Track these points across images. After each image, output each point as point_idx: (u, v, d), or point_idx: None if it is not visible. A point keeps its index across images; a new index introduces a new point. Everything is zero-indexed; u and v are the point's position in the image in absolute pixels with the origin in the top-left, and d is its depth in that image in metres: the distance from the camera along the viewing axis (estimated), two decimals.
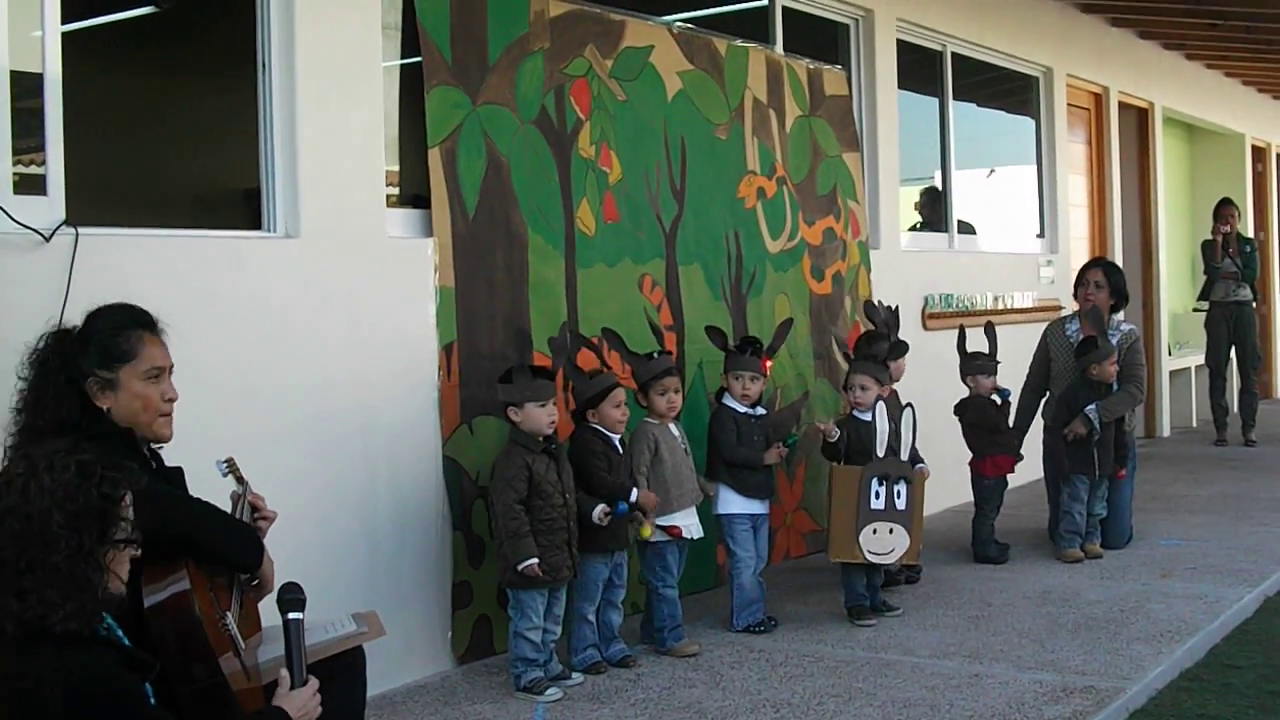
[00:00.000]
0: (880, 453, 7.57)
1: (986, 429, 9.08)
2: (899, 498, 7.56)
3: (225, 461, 4.71)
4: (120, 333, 4.43)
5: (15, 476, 3.52)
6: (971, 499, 9.32)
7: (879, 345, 8.20)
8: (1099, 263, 10.19)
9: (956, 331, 9.27)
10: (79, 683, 3.35)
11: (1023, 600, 8.06)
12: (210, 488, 4.62)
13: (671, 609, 7.08)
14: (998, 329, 9.18)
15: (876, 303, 8.72)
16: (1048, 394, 9.72)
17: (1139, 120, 16.05)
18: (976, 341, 9.10)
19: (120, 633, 3.64)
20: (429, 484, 6.74)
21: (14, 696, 3.34)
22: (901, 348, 8.30)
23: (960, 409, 9.09)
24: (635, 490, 6.76)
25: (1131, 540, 9.52)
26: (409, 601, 6.60)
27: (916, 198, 11.98)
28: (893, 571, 8.18)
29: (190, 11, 7.74)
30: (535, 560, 6.25)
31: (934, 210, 11.91)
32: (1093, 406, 9.05)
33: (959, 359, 9.16)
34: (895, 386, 8.27)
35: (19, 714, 3.32)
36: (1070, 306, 10.19)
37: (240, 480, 4.73)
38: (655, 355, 7.22)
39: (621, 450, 6.85)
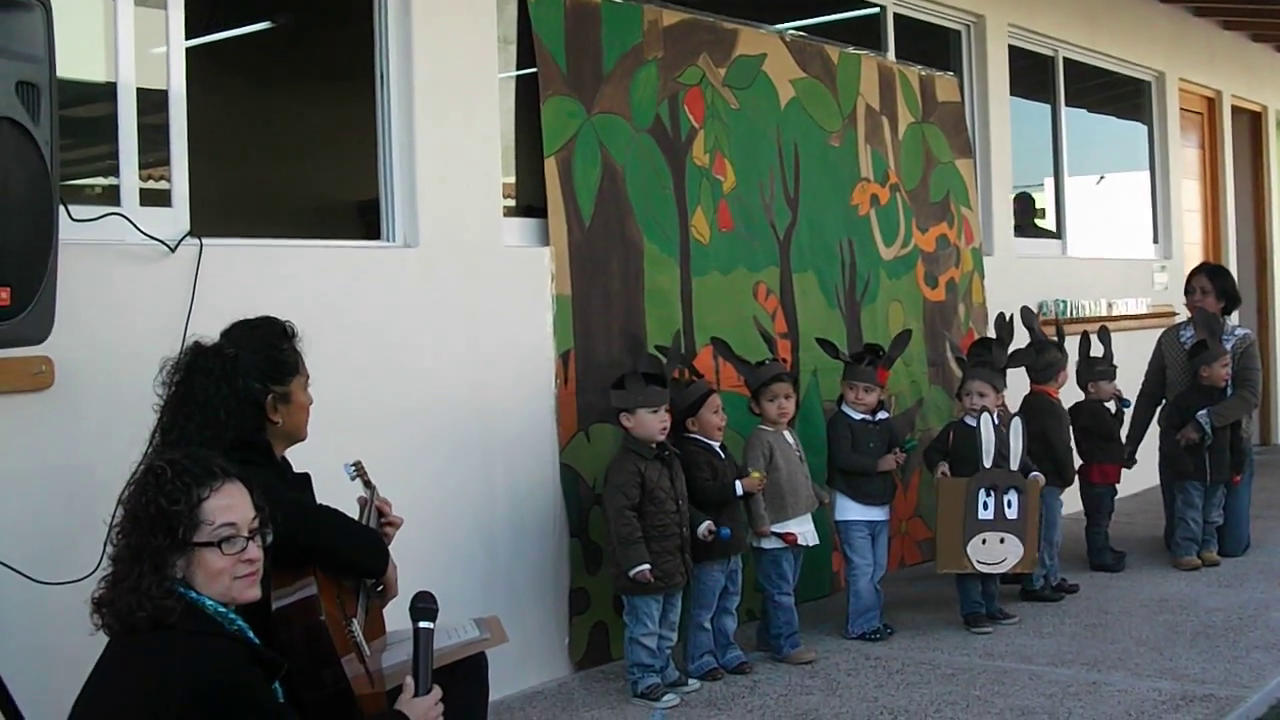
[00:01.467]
0: (988, 463, 7.55)
1: (1100, 436, 9.01)
2: (1009, 507, 7.53)
3: (354, 465, 4.78)
4: (283, 346, 4.53)
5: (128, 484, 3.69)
6: (1081, 507, 9.24)
7: (997, 352, 8.16)
8: (1204, 268, 10.10)
9: (1079, 337, 9.20)
10: (202, 670, 3.41)
11: (1140, 608, 8.00)
12: (335, 492, 4.68)
13: (788, 616, 7.08)
14: (1112, 334, 9.12)
15: (1009, 317, 8.66)
16: (1164, 401, 9.63)
17: (1252, 124, 15.84)
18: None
19: (251, 633, 3.70)
20: (546, 491, 6.78)
21: (140, 682, 3.42)
22: (1026, 355, 8.29)
23: (1074, 413, 9.02)
24: (739, 483, 6.75)
25: (1249, 548, 9.43)
26: (526, 608, 6.64)
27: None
28: (1035, 587, 8.21)
29: (308, 26, 7.84)
30: (647, 566, 6.26)
31: (1023, 215, 11.78)
32: (1204, 412, 8.98)
33: (1079, 363, 9.10)
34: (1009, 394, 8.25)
35: (144, 700, 3.39)
36: (1184, 313, 10.09)
37: (368, 484, 4.80)
38: (766, 363, 7.23)
39: (724, 456, 6.83)
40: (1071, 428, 8.92)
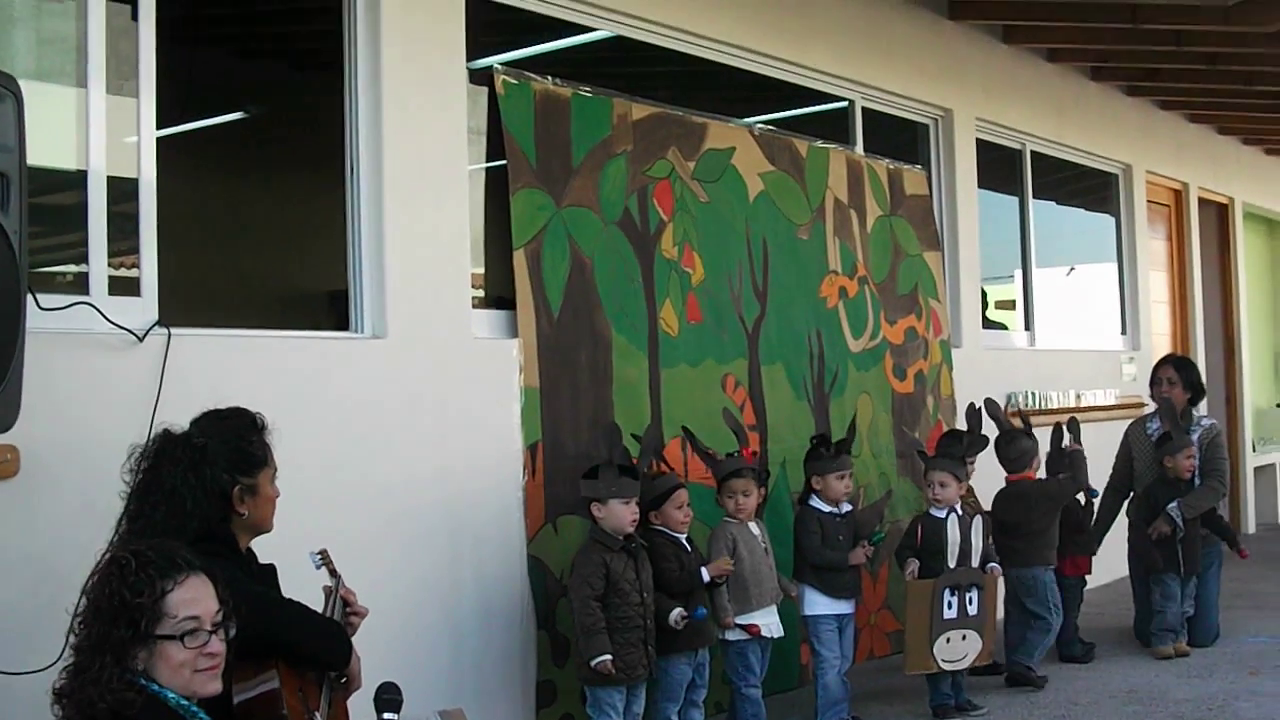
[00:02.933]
0: (952, 561, 7.60)
1: (1071, 527, 9.02)
2: (970, 604, 7.63)
3: (319, 553, 4.78)
4: (252, 438, 4.55)
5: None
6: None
7: (967, 441, 8.20)
8: (1171, 359, 10.22)
9: (1051, 428, 9.24)
10: None
11: (1109, 699, 8.01)
12: (301, 581, 4.67)
13: (755, 709, 7.05)
14: (1081, 425, 9.17)
15: (977, 407, 8.70)
16: (1131, 494, 9.66)
17: (1219, 215, 15.99)
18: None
19: None
20: (513, 582, 6.75)
21: None
22: (981, 443, 8.29)
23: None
24: (704, 569, 6.72)
25: (1218, 638, 9.43)
26: (493, 699, 6.60)
27: None
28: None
29: (279, 117, 7.89)
30: (608, 656, 6.23)
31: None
32: (1174, 504, 9.02)
33: (1049, 454, 9.13)
34: (972, 484, 8.27)
35: None
36: (1151, 405, 10.15)
37: (333, 573, 4.80)
38: (731, 455, 7.24)
39: (690, 549, 6.82)
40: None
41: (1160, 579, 9.13)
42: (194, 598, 3.71)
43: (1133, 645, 9.35)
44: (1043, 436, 9.06)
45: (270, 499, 4.60)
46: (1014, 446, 8.56)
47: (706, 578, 6.70)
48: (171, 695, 3.63)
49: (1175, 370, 9.80)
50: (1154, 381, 9.84)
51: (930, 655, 7.55)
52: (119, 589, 3.62)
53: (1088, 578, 9.25)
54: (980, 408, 8.48)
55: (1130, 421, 10.06)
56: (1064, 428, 9.17)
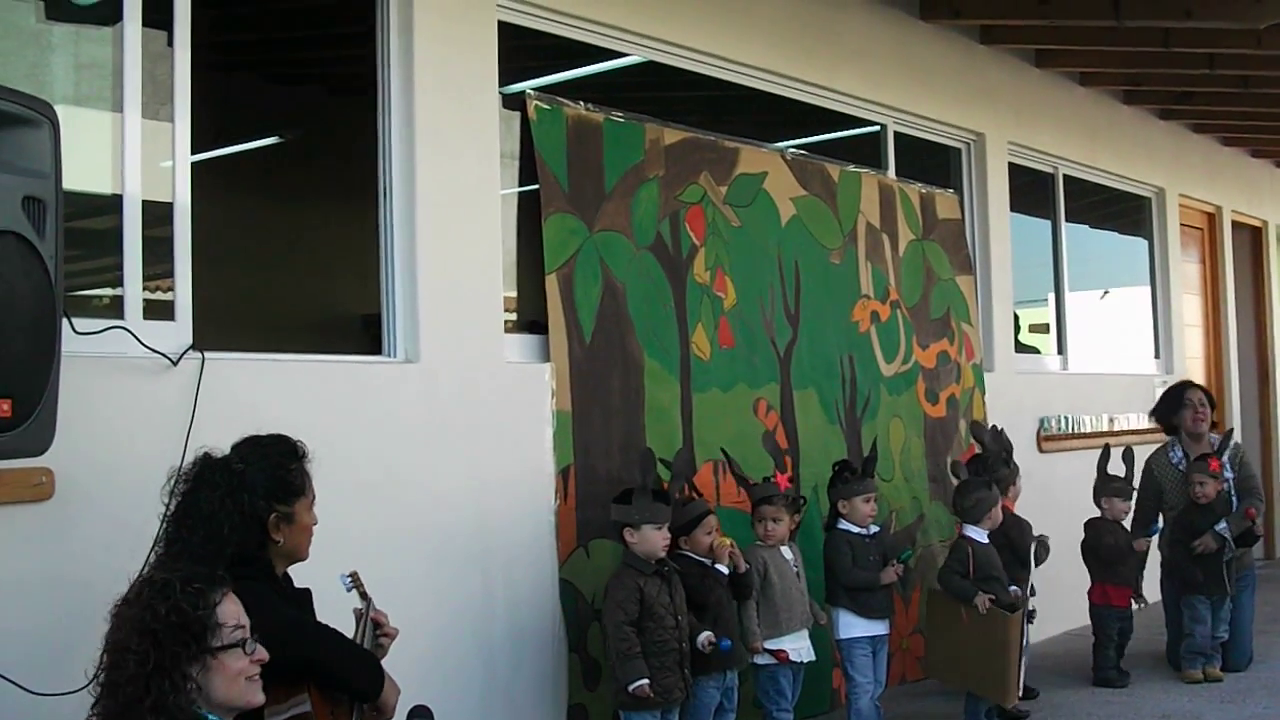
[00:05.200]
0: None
1: (1109, 557, 8.98)
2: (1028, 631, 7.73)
3: (350, 575, 4.79)
4: (291, 466, 4.56)
5: (116, 614, 3.66)
6: (1088, 623, 9.21)
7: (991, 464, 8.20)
8: (1193, 384, 10.12)
9: (1100, 450, 9.22)
10: None
11: None
12: (334, 607, 4.68)
13: None
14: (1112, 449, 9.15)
15: (988, 425, 8.69)
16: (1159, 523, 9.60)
17: (1252, 239, 15.90)
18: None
19: None
20: (545, 606, 6.76)
21: None
22: (999, 458, 8.27)
23: (1088, 530, 9.07)
24: (700, 639, 6.52)
25: (1252, 663, 9.37)
26: None
27: None
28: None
29: (313, 142, 7.92)
30: (646, 681, 6.21)
31: None
32: (1223, 524, 8.97)
33: (1096, 478, 9.09)
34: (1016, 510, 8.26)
35: None
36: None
37: (364, 595, 4.80)
38: (765, 480, 7.24)
39: (719, 571, 6.78)
40: (1081, 545, 8.95)
41: (1190, 601, 9.07)
42: (237, 609, 3.74)
43: (1166, 670, 9.30)
44: (1085, 459, 9.02)
45: (306, 528, 4.62)
46: (995, 473, 8.40)
47: (701, 646, 6.52)
48: (213, 718, 3.66)
49: (1204, 392, 9.80)
50: (1183, 405, 9.74)
51: (1019, 685, 7.60)
52: (173, 608, 3.62)
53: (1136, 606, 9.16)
54: (990, 425, 8.54)
55: (1150, 455, 9.96)
56: (1113, 451, 9.17)
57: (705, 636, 6.48)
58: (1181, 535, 9.16)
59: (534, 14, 7.07)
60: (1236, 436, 10.00)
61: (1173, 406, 9.81)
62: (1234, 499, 9.32)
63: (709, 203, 7.85)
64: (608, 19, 7.38)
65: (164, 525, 4.46)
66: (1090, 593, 9.04)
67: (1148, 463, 9.81)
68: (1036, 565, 8.18)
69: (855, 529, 7.48)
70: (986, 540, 7.73)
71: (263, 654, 3.77)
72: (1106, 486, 9.07)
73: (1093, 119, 12.13)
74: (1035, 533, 8.23)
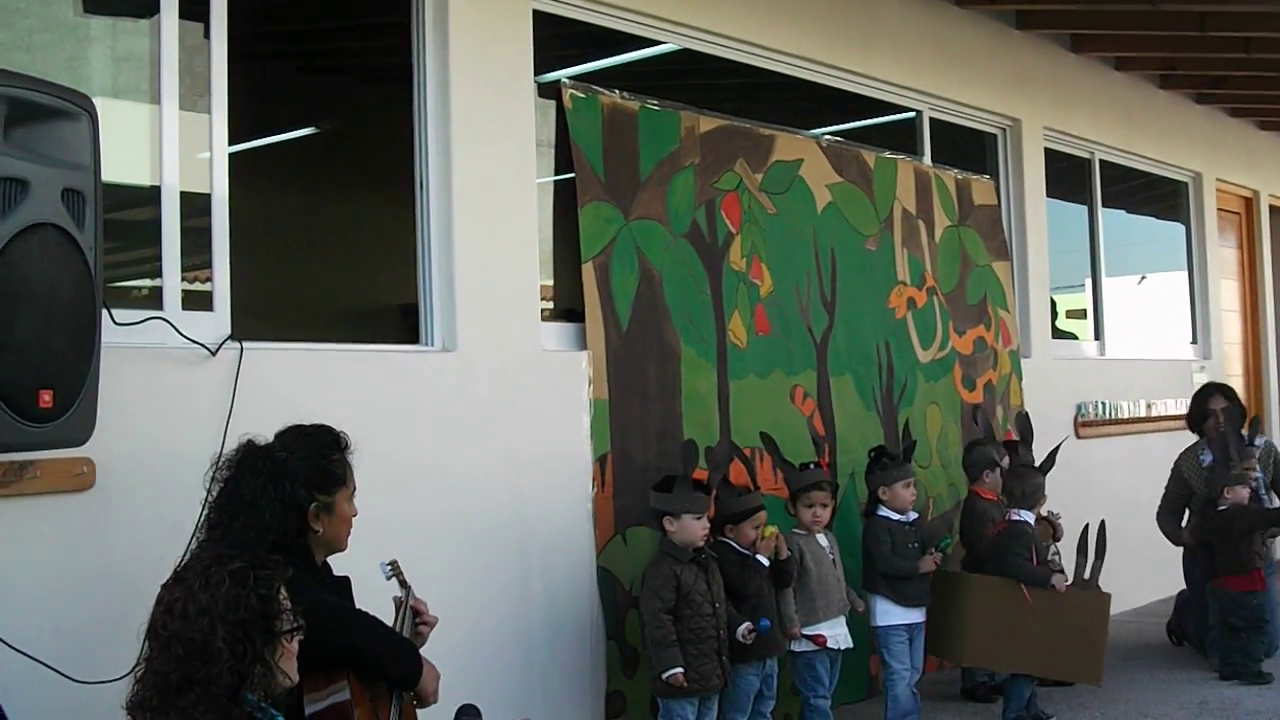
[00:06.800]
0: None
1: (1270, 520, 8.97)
2: None
3: (389, 564, 4.79)
4: (333, 456, 4.59)
5: (174, 602, 3.62)
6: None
7: (1024, 452, 8.17)
8: (1218, 387, 10.05)
9: (1218, 439, 9.25)
10: None
11: (1180, 710, 7.96)
12: (373, 593, 4.70)
13: None
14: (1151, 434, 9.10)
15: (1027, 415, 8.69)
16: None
17: None
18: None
19: None
20: (583, 594, 6.78)
21: None
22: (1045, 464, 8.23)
23: (1225, 520, 8.95)
24: (740, 630, 6.53)
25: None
26: (563, 711, 6.63)
27: None
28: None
29: (350, 132, 7.94)
30: (680, 669, 6.21)
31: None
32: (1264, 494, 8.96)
33: (1217, 467, 9.08)
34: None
35: None
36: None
37: (403, 584, 4.80)
38: (810, 466, 7.23)
39: (758, 561, 6.79)
40: (1219, 536, 8.95)
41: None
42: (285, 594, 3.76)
43: (1199, 657, 9.22)
44: (1113, 446, 8.98)
45: (345, 518, 4.64)
46: (1026, 483, 8.28)
47: (741, 638, 6.53)
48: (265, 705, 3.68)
49: (1225, 397, 9.73)
50: (1207, 414, 9.71)
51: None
52: (258, 596, 3.63)
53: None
54: (1026, 415, 8.57)
55: (1180, 453, 9.90)
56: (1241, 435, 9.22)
57: (744, 628, 6.48)
58: (1211, 523, 9.08)
59: (568, 2, 7.07)
60: (1270, 435, 9.89)
61: (1199, 414, 9.79)
62: (1264, 498, 9.28)
63: (745, 190, 7.85)
64: (642, 6, 7.38)
65: (205, 511, 4.48)
66: (1244, 581, 8.88)
67: (1177, 462, 9.77)
68: (1099, 551, 8.12)
69: (895, 516, 7.47)
70: (1029, 527, 7.73)
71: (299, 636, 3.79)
72: (1225, 475, 9.01)
73: (1129, 103, 12.08)
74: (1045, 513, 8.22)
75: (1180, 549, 9.60)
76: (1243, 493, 8.92)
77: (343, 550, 4.68)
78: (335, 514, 4.58)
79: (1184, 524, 9.44)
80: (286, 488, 4.42)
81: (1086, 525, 8.18)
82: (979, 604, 7.64)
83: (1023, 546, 7.64)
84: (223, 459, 4.52)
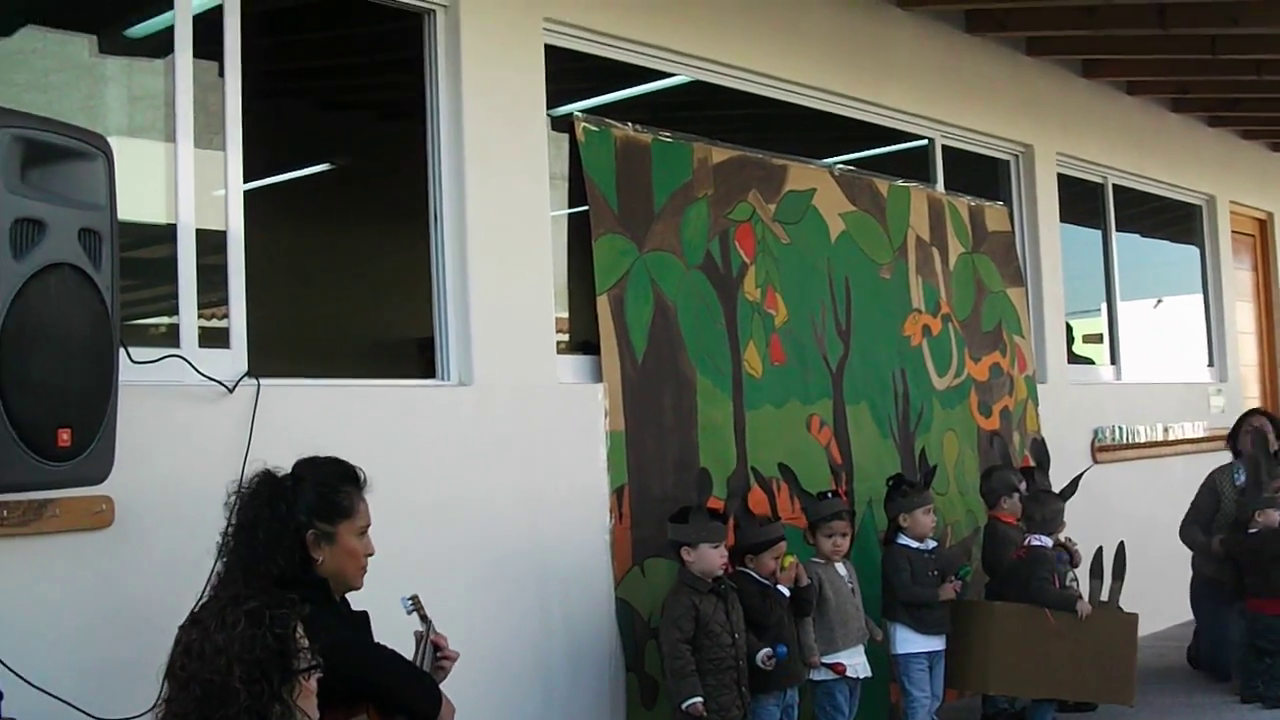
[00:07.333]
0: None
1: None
2: None
3: (410, 599, 4.79)
4: (341, 489, 4.58)
5: (191, 643, 3.62)
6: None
7: (1040, 478, 8.19)
8: (1260, 411, 10.07)
9: (1249, 461, 9.26)
10: None
11: None
12: (393, 628, 4.71)
13: None
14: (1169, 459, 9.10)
15: (1043, 441, 8.70)
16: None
17: None
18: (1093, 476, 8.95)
19: None
20: (602, 625, 6.77)
21: None
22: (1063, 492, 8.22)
23: (1257, 543, 8.94)
24: (758, 657, 6.54)
25: None
26: None
27: None
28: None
29: (364, 168, 7.96)
30: (699, 700, 6.20)
31: None
32: None
33: (1246, 489, 9.07)
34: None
35: None
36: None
37: (424, 619, 4.80)
38: (829, 495, 7.23)
39: (777, 591, 6.78)
40: (1251, 559, 8.92)
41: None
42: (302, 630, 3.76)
43: (1224, 682, 9.20)
44: (1131, 471, 8.96)
45: (352, 552, 4.59)
46: (1046, 508, 8.25)
47: (761, 664, 6.55)
48: None
49: (1268, 419, 9.75)
50: (1243, 430, 9.75)
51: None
52: (274, 635, 3.63)
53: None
54: (1043, 441, 8.56)
55: (1215, 468, 9.90)
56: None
57: (764, 653, 6.47)
58: (1240, 545, 9.06)
59: (580, 37, 7.10)
60: None
61: (1237, 431, 9.81)
62: None
63: (758, 220, 7.87)
64: (653, 39, 7.41)
65: (224, 540, 4.51)
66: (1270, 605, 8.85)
67: (1212, 475, 9.79)
68: (1118, 573, 8.13)
69: (914, 544, 7.48)
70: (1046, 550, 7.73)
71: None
72: (1258, 499, 9.01)
73: (1141, 128, 12.09)
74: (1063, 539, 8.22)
75: (1190, 577, 9.60)
76: (1275, 516, 8.90)
77: (357, 588, 4.67)
78: (338, 545, 4.54)
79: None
80: (283, 509, 4.42)
81: (1100, 549, 8.19)
82: (1001, 631, 7.63)
83: (1046, 571, 7.65)
84: (238, 486, 4.55)
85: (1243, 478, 9.50)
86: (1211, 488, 9.69)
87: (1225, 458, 10.01)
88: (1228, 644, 9.19)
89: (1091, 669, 7.61)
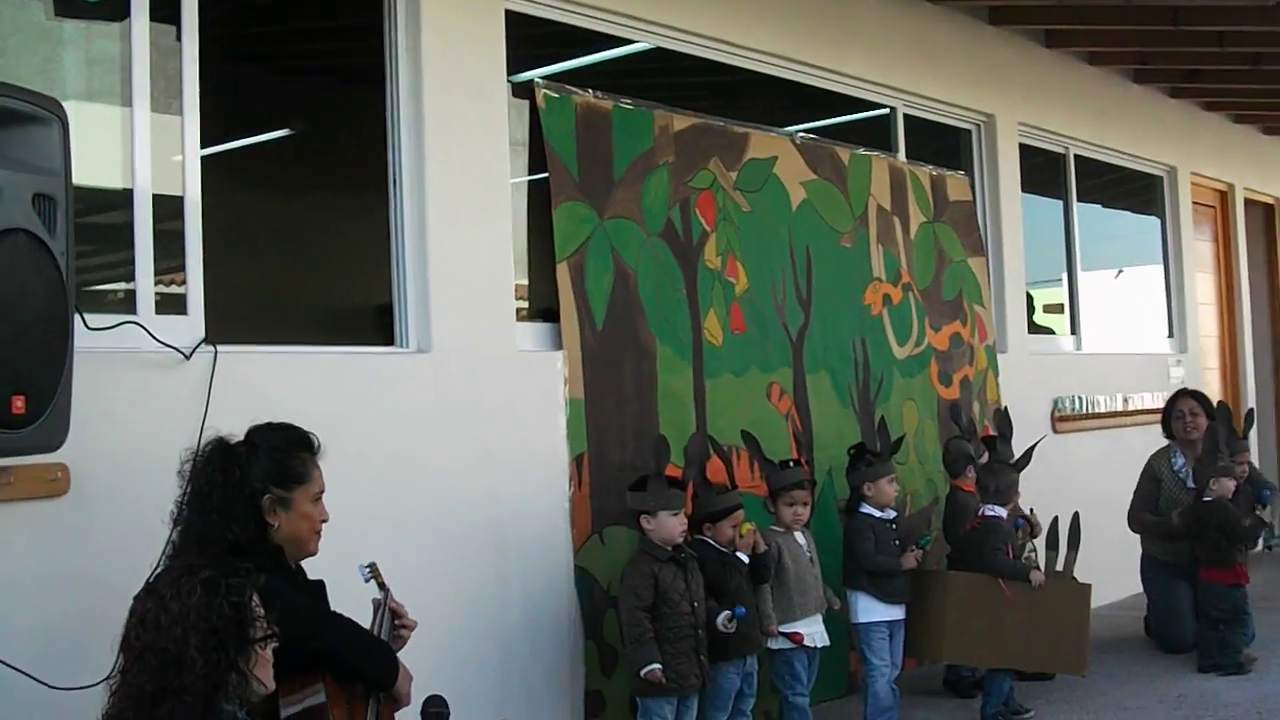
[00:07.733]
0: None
1: (1237, 536, 8.93)
2: None
3: (368, 566, 4.78)
4: (296, 454, 4.57)
5: (146, 613, 3.62)
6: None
7: (1002, 448, 8.20)
8: (1190, 393, 10.07)
9: (1207, 431, 9.39)
10: None
11: (1158, 704, 7.97)
12: (349, 596, 4.70)
13: (803, 717, 7.04)
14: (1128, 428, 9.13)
15: (1003, 406, 8.70)
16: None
17: (1265, 217, 15.87)
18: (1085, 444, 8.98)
19: None
20: (561, 593, 6.77)
21: None
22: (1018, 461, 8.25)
23: (1201, 515, 8.98)
24: (719, 620, 6.52)
25: (1254, 639, 9.23)
26: (541, 711, 6.63)
27: None
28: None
29: (323, 134, 7.92)
30: (658, 666, 6.20)
31: None
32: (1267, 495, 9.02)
33: (1204, 457, 9.13)
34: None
35: None
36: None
37: (382, 586, 4.80)
38: (791, 464, 7.24)
39: (736, 559, 6.79)
40: (1205, 531, 8.92)
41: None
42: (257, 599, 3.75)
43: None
44: (1090, 441, 8.99)
45: (307, 517, 4.60)
46: (1000, 479, 8.27)
47: (721, 628, 6.52)
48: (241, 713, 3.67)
49: (1197, 401, 9.77)
50: (1175, 416, 9.75)
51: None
52: (230, 604, 3.62)
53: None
54: (1006, 409, 8.62)
55: (1153, 454, 9.91)
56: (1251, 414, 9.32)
57: (723, 616, 6.46)
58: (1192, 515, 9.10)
59: (541, 2, 7.07)
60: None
61: (1169, 414, 9.83)
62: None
63: (719, 188, 7.85)
64: (615, 5, 7.38)
65: (178, 509, 4.49)
66: (1229, 574, 8.90)
67: (1150, 460, 9.82)
68: (1073, 543, 8.20)
69: (876, 513, 7.48)
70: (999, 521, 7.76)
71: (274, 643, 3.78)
72: (1212, 466, 9.04)
73: (1103, 98, 12.11)
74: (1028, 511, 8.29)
75: (1139, 555, 9.66)
76: (1229, 485, 8.94)
77: (312, 553, 4.67)
78: (293, 510, 4.54)
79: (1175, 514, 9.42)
80: (237, 475, 4.42)
81: (1055, 518, 8.23)
82: (956, 601, 7.64)
83: (999, 541, 7.67)
84: (191, 454, 4.53)
85: (1180, 461, 9.55)
86: (1151, 474, 9.71)
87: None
88: (1180, 617, 9.23)
89: (1043, 639, 7.65)
